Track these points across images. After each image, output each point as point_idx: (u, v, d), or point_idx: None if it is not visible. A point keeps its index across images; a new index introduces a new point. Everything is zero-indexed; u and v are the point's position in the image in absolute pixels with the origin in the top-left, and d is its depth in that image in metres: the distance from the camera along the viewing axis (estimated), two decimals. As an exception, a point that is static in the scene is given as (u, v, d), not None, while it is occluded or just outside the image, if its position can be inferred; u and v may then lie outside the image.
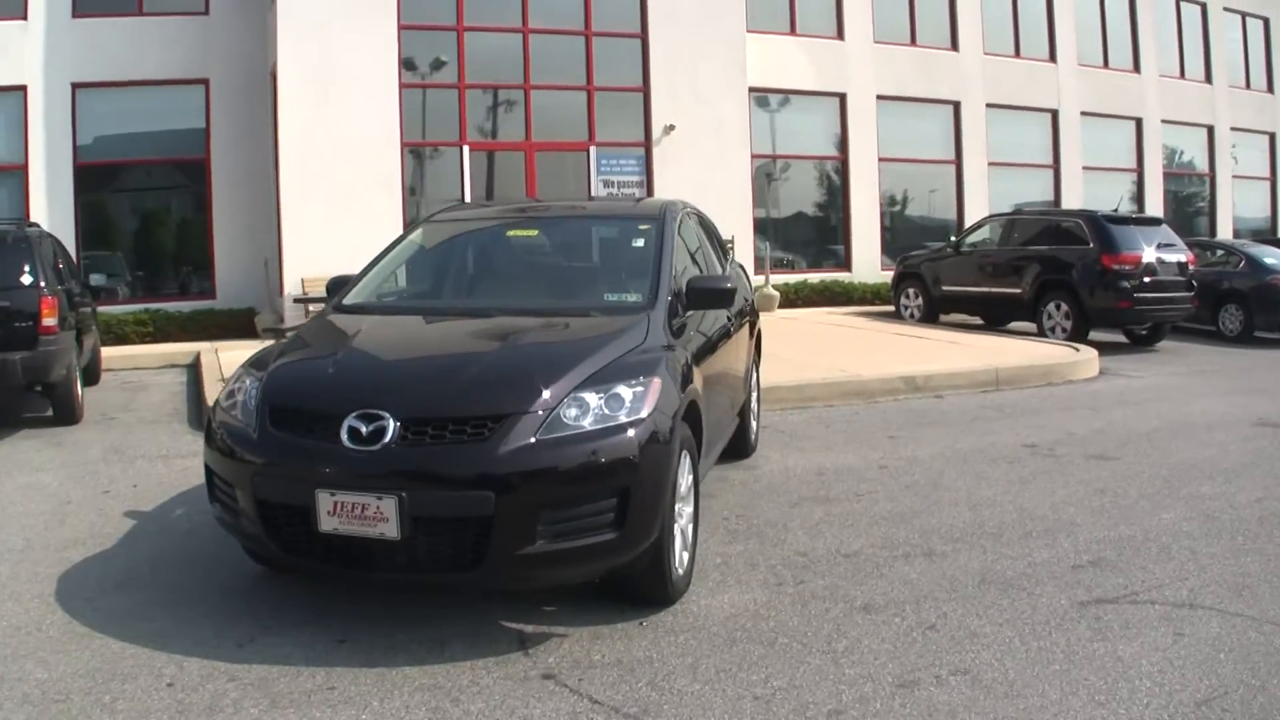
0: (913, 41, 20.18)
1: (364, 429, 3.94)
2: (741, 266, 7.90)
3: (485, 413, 3.97)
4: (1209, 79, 24.22)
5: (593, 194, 16.56)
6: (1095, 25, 22.32)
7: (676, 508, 4.41)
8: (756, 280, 17.19)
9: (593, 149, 16.79)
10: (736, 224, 16.87)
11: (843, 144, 19.38)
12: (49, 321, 8.59)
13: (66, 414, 9.13)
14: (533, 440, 3.90)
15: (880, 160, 19.64)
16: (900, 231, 20.33)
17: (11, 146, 15.16)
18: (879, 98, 19.47)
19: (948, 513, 5.79)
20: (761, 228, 18.58)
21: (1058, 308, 13.48)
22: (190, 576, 4.88)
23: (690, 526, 4.66)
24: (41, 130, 15.09)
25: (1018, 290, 13.97)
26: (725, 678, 3.72)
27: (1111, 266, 12.91)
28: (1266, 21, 25.35)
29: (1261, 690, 3.54)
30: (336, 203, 14.63)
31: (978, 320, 15.25)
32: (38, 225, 10.28)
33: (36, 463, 7.63)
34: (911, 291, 15.97)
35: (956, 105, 20.36)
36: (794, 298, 18.04)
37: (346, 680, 3.70)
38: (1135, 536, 5.28)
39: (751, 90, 17.93)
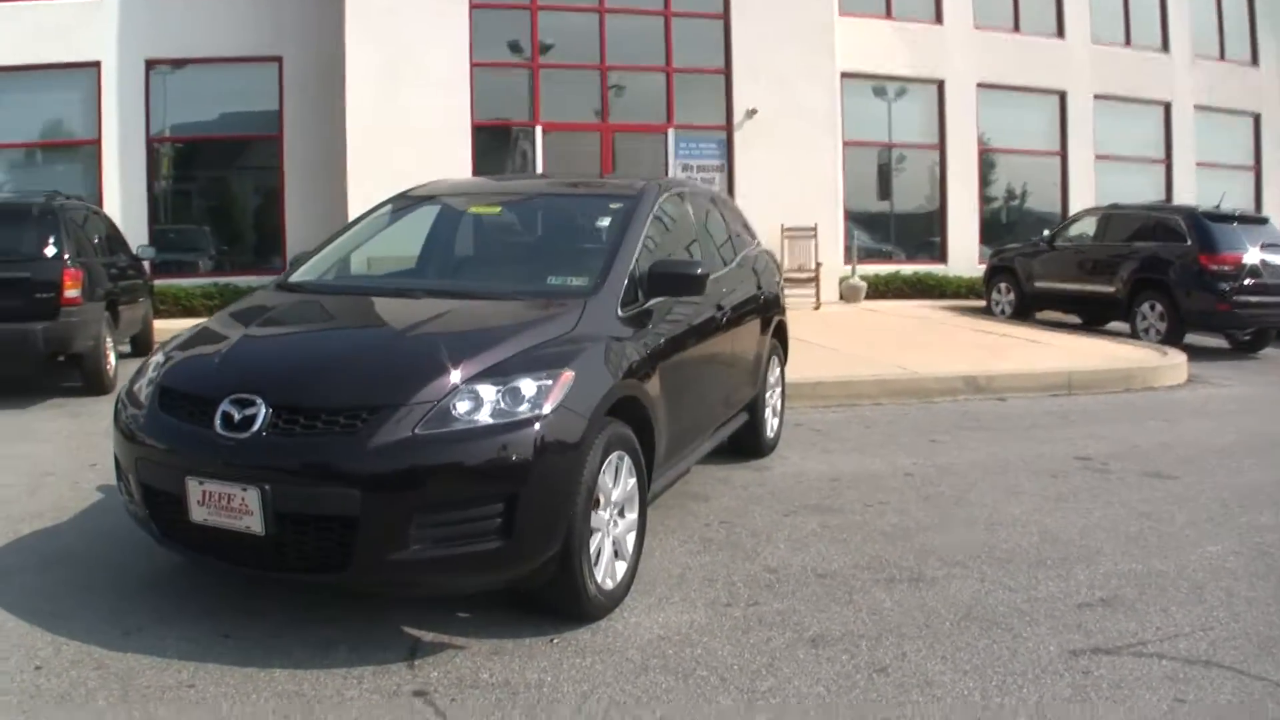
0: (1015, 28, 19.01)
1: (236, 415, 3.59)
2: (770, 255, 7.26)
3: (359, 403, 3.56)
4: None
5: (670, 176, 16.01)
6: (1211, 14, 20.71)
7: (604, 515, 3.94)
8: (843, 270, 16.47)
9: (671, 132, 16.25)
10: (822, 212, 16.21)
11: (940, 133, 18.39)
12: (71, 293, 8.60)
13: (96, 385, 9.12)
14: (410, 435, 3.48)
15: (980, 150, 18.61)
16: (1000, 225, 19.24)
17: (86, 122, 15.35)
18: (979, 86, 18.40)
19: (959, 531, 5.13)
20: (853, 217, 17.78)
21: (1152, 308, 12.42)
22: (124, 558, 4.61)
23: (632, 535, 4.19)
24: (115, 106, 15.23)
25: (1111, 289, 12.95)
26: (615, 712, 3.20)
27: (1210, 266, 11.82)
28: None
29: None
30: (404, 185, 14.30)
31: (1074, 319, 14.21)
32: (80, 199, 10.27)
33: (43, 433, 7.55)
34: (1003, 286, 15.02)
35: (1062, 95, 19.11)
36: (884, 289, 17.22)
37: (210, 679, 3.41)
38: (1167, 572, 4.54)
39: (844, 75, 17.15)
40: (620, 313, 4.37)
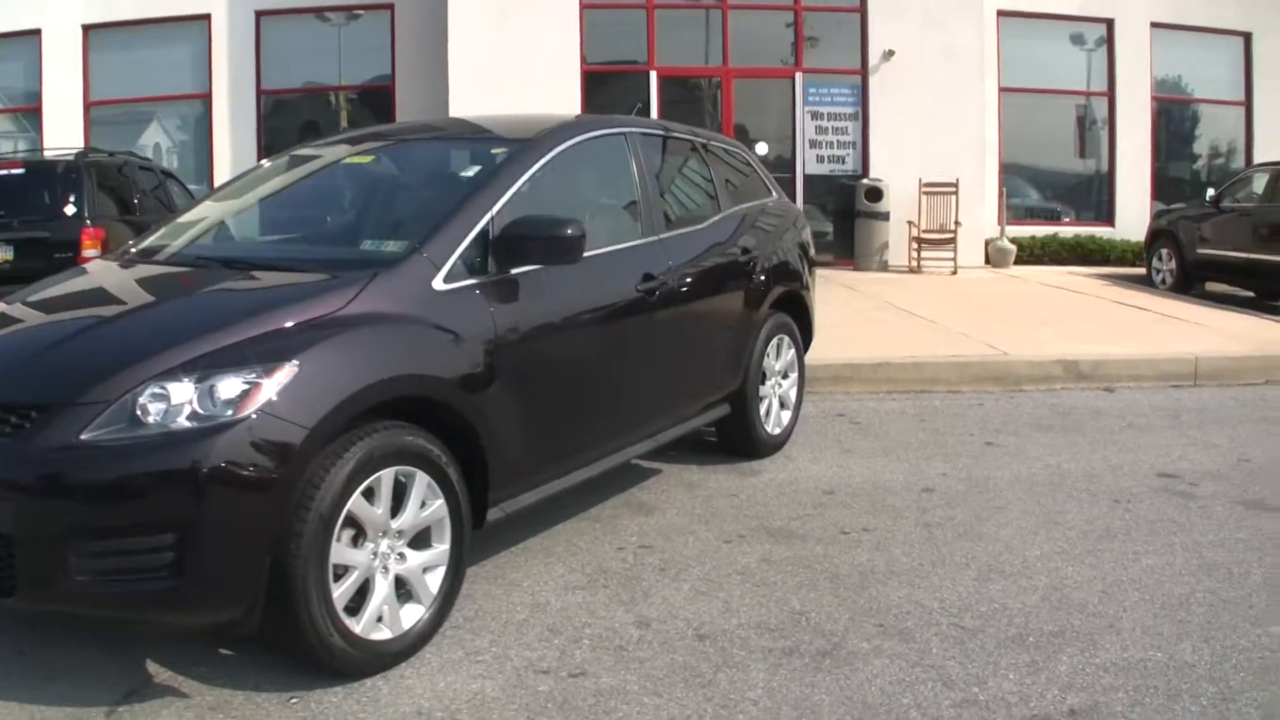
0: (1196, -41, 16.51)
1: None
2: (786, 213, 6.01)
3: (30, 400, 2.83)
4: None
5: (798, 127, 14.71)
6: None
7: (371, 549, 3.08)
8: (989, 233, 14.75)
9: (799, 76, 14.85)
10: (970, 165, 14.50)
11: (1109, 78, 16.19)
12: (90, 253, 8.32)
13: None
14: (73, 441, 2.70)
15: (1154, 98, 16.28)
16: (1176, 183, 16.86)
17: (197, 76, 15.21)
18: (1153, 25, 15.99)
19: (938, 580, 3.92)
20: (1008, 172, 15.93)
21: (1335, 282, 10.36)
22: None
23: (437, 574, 3.32)
24: (225, 59, 15.04)
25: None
26: None
27: None
28: None
29: None
30: (510, 132, 13.58)
31: (1247, 293, 12.10)
32: (136, 155, 10.02)
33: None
34: (1164, 253, 12.99)
35: (1247, 37, 16.43)
36: (1040, 253, 15.33)
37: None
38: (1195, 666, 3.23)
39: (1000, 14, 15.31)
40: (441, 286, 3.39)
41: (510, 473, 3.58)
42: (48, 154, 9.58)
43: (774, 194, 5.97)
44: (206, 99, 15.15)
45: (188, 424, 2.74)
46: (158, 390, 2.76)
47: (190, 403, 2.76)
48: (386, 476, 3.08)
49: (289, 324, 3.02)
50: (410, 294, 3.30)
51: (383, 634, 3.13)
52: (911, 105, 14.32)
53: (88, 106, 15.33)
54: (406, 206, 4.14)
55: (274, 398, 2.80)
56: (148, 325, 3.22)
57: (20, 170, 8.54)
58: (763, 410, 5.49)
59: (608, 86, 14.96)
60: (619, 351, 4.16)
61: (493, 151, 4.07)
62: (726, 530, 4.45)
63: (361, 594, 3.08)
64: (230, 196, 4.54)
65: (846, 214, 14.57)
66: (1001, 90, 15.56)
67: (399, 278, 3.32)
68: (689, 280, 4.60)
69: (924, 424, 6.44)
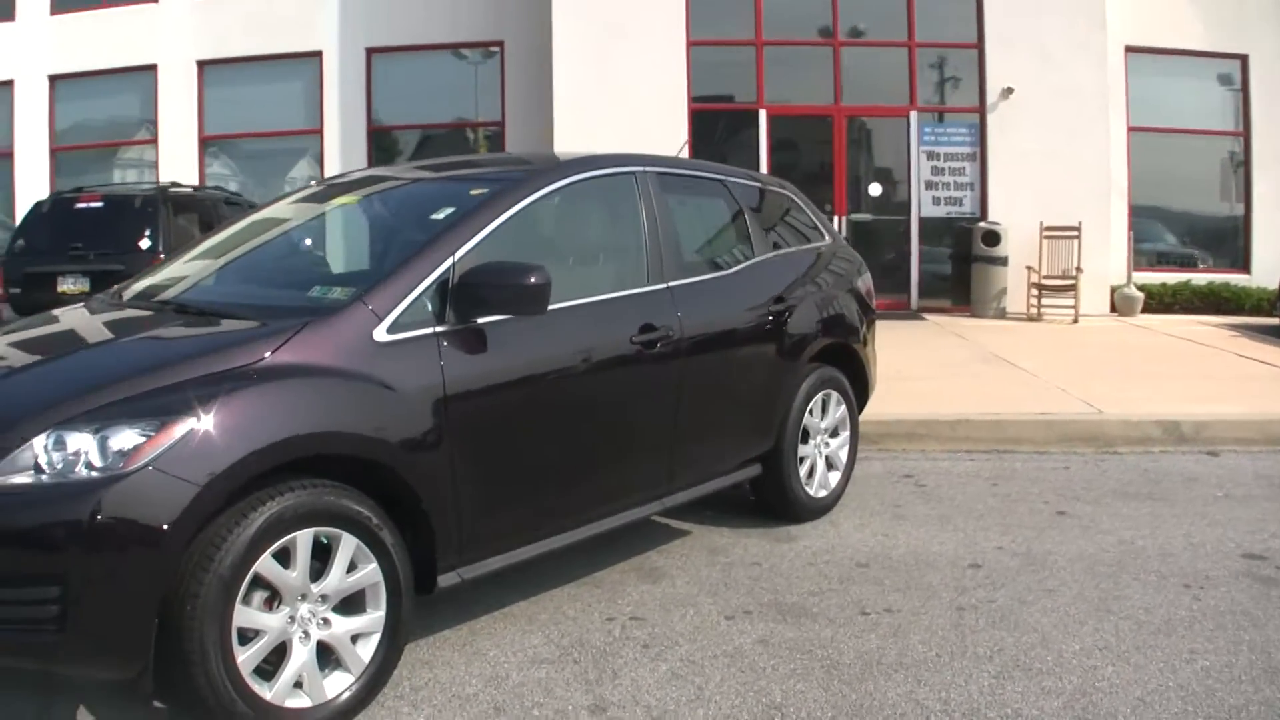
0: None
1: None
2: (836, 257, 5.61)
3: None
4: None
5: (913, 167, 14.19)
6: None
7: (290, 612, 2.92)
8: (1115, 279, 13.90)
9: (913, 114, 14.33)
10: (1094, 207, 13.70)
11: (1244, 117, 15.11)
12: None
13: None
14: None
15: (1294, 137, 15.14)
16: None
17: (309, 112, 15.58)
18: (1293, 61, 14.96)
19: (954, 675, 3.50)
20: (1137, 215, 15.01)
21: None
22: None
23: (370, 641, 3.12)
24: (336, 95, 15.35)
25: None
26: None
27: None
28: None
29: None
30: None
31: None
32: (219, 189, 10.26)
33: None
34: (1301, 303, 11.97)
35: None
36: (1170, 301, 14.35)
37: None
38: (1224, 801, 2.71)
39: (1128, 50, 14.51)
40: (384, 337, 3.16)
41: (466, 537, 3.33)
42: (128, 188, 9.86)
43: (826, 238, 5.59)
44: (318, 134, 15.50)
45: (82, 474, 2.63)
46: (57, 439, 2.65)
47: (86, 453, 2.64)
48: (303, 538, 2.91)
49: (200, 374, 2.87)
50: (344, 345, 3.10)
51: (301, 702, 2.95)
52: (1032, 145, 13.66)
53: (202, 141, 15.87)
54: (370, 251, 3.94)
55: (167, 452, 2.66)
56: (64, 372, 3.12)
57: (99, 204, 8.77)
58: (803, 471, 5.10)
59: (715, 124, 14.72)
60: (609, 409, 3.87)
61: (471, 192, 3.84)
62: (733, 604, 4.09)
63: (281, 660, 2.89)
64: (236, 235, 4.42)
65: (963, 258, 13.97)
66: (1130, 130, 14.70)
67: (333, 327, 3.13)
68: (704, 331, 4.27)
69: (995, 489, 5.92)
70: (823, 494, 5.27)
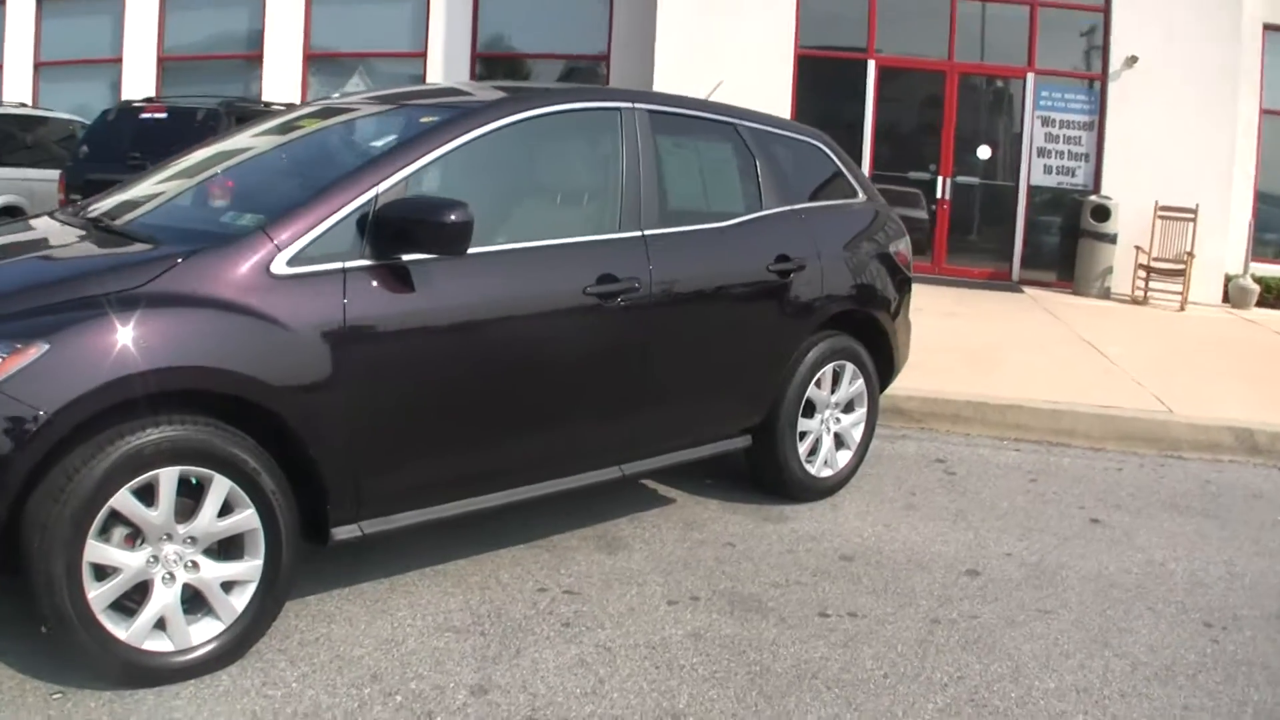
0: None
1: None
2: (874, 220, 5.14)
3: None
4: None
5: (1026, 132, 13.38)
6: None
7: (153, 552, 2.79)
8: (1231, 267, 12.93)
9: (1030, 77, 13.46)
10: (1214, 190, 12.72)
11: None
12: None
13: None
14: None
15: None
16: None
17: (414, 34, 15.37)
18: None
19: (893, 702, 3.15)
20: (1265, 202, 13.90)
21: None
22: None
23: (248, 590, 2.96)
24: (443, 18, 15.10)
25: None
26: None
27: None
28: None
29: None
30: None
31: None
32: (290, 107, 10.11)
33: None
34: None
35: None
36: (1290, 294, 13.33)
37: None
38: None
39: (1266, 28, 13.35)
40: (283, 269, 2.89)
41: (368, 489, 3.06)
42: (194, 100, 9.77)
43: (861, 195, 5.11)
44: (421, 58, 15.31)
45: None
46: None
47: None
48: (167, 476, 2.72)
49: (70, 298, 2.69)
50: (233, 276, 2.85)
51: (161, 645, 2.80)
52: (1153, 119, 12.73)
53: (307, 58, 15.82)
54: (300, 178, 3.63)
55: (15, 376, 2.49)
56: None
57: (163, 114, 8.70)
58: (803, 448, 4.71)
59: (823, 72, 14.07)
60: (553, 365, 3.53)
61: (421, 120, 3.52)
62: (683, 587, 3.76)
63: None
64: (215, 152, 4.18)
65: (1071, 232, 13.17)
66: (1263, 112, 13.56)
67: (226, 256, 2.89)
68: (680, 287, 3.90)
69: (1032, 485, 5.44)
70: (827, 473, 4.87)
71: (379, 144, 3.43)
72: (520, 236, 3.48)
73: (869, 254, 4.93)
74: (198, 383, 2.71)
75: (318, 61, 15.96)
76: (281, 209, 3.03)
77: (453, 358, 3.22)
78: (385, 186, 3.12)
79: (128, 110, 9.16)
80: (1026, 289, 12.92)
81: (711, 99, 4.72)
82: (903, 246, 5.24)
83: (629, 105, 3.92)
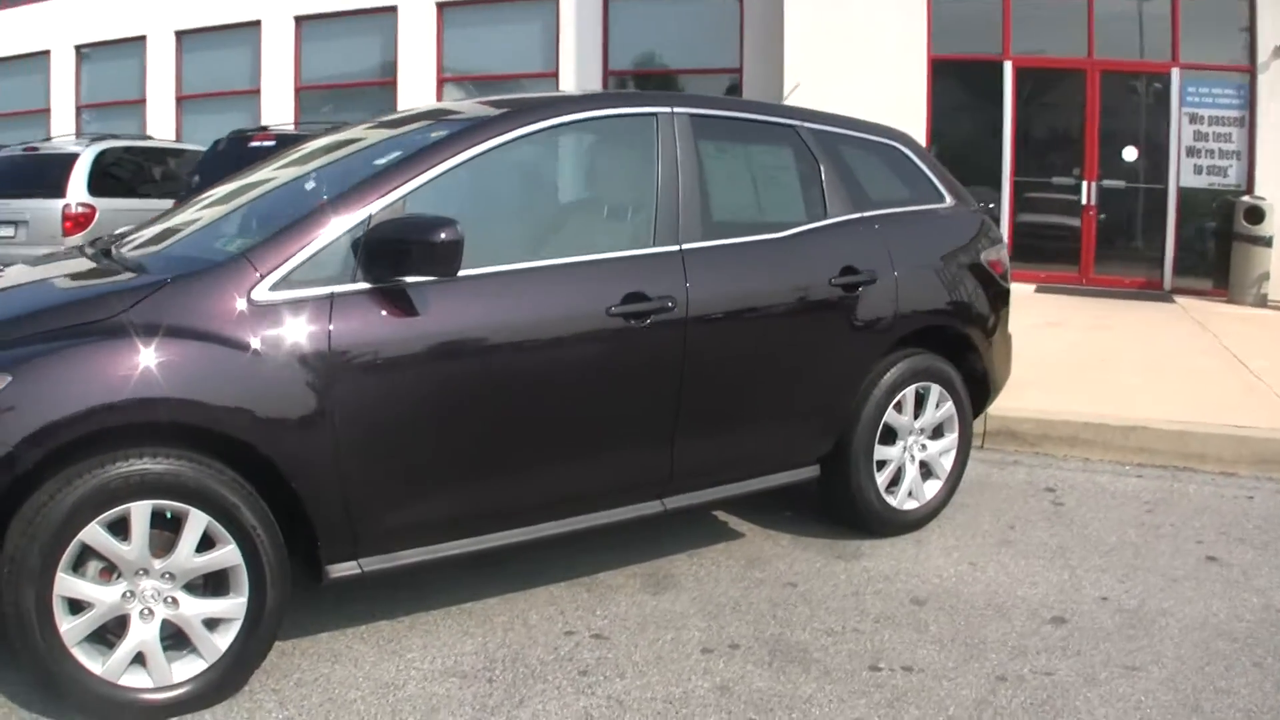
0: None
1: None
2: (964, 228, 4.74)
3: None
4: None
5: (1173, 131, 12.55)
6: None
7: (128, 587, 2.71)
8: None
9: (1175, 71, 12.60)
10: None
11: None
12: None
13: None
14: None
15: None
16: None
17: (545, 54, 15.44)
18: None
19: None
20: None
21: None
22: None
23: (232, 629, 2.85)
24: (573, 37, 15.14)
25: None
26: None
27: None
28: None
29: None
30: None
31: None
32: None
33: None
34: None
35: None
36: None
37: None
38: None
39: None
40: (266, 296, 2.76)
41: (364, 526, 2.90)
42: (304, 129, 9.87)
43: (949, 200, 4.72)
44: (554, 77, 15.38)
45: None
46: None
47: None
48: (139, 510, 2.64)
49: (49, 328, 2.66)
50: (209, 304, 2.75)
51: (140, 681, 2.72)
52: (1307, 109, 11.78)
53: (440, 81, 16.07)
54: (301, 201, 3.49)
55: None
56: None
57: (271, 143, 8.82)
58: (882, 478, 4.35)
59: (958, 78, 13.53)
60: (574, 393, 3.30)
61: (431, 135, 3.34)
62: (726, 634, 3.48)
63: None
64: (254, 180, 4.11)
65: (1224, 236, 12.27)
66: None
67: (203, 283, 2.80)
68: (723, 304, 3.62)
69: (1146, 517, 4.93)
70: (911, 505, 4.50)
71: (380, 162, 3.27)
72: (537, 255, 3.28)
73: (957, 264, 4.54)
74: (165, 415, 2.60)
75: (451, 85, 16.20)
76: (262, 235, 2.91)
77: (452, 387, 3.03)
78: (380, 207, 2.97)
79: (238, 139, 9.35)
80: (1179, 298, 12.08)
81: (786, 101, 4.42)
82: (998, 255, 4.81)
83: (667, 110, 3.66)
